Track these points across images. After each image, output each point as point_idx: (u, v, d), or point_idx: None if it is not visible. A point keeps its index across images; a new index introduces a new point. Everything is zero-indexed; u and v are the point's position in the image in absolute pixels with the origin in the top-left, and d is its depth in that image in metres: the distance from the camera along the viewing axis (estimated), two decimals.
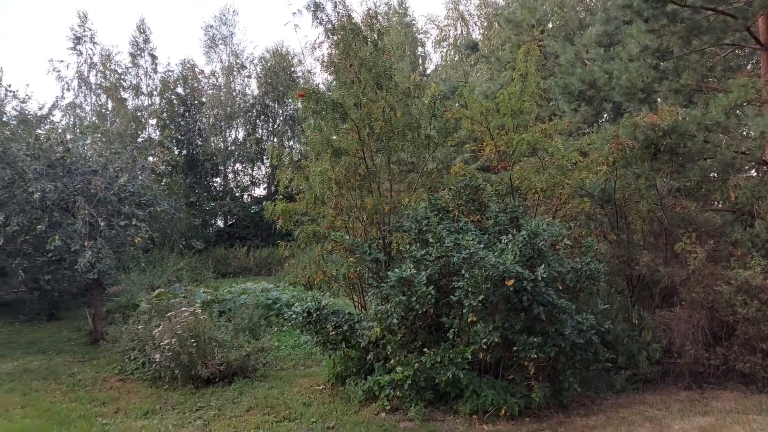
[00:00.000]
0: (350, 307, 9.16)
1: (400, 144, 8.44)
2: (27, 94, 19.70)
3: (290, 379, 8.75)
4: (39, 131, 12.71)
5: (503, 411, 6.64)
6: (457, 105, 11.45)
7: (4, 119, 13.49)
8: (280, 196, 9.06)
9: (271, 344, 9.95)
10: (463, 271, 6.76)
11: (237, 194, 29.04)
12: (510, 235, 7.26)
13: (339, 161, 8.38)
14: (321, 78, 31.86)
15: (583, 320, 6.95)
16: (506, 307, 6.75)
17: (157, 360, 8.58)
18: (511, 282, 6.46)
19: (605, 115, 14.33)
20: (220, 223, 28.39)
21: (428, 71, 31.05)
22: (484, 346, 6.61)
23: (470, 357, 6.60)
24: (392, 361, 6.98)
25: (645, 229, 9.18)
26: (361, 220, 8.75)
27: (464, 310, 6.71)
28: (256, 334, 11.03)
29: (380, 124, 8.30)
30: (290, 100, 29.54)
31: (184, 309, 9.11)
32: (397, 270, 6.92)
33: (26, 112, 15.37)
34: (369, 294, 8.29)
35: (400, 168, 9.28)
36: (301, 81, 29.00)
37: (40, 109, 16.65)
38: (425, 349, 6.82)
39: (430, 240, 7.20)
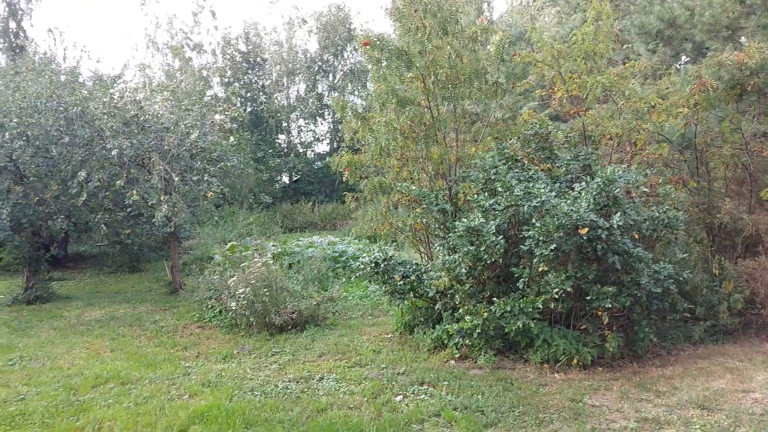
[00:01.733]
0: (415, 259, 9.20)
1: (467, 91, 8.23)
2: (101, 55, 20.49)
3: (359, 328, 8.95)
4: (112, 91, 13.16)
5: (575, 360, 6.57)
6: (524, 51, 11.01)
7: (81, 80, 14.01)
8: (346, 149, 9.07)
9: (340, 295, 10.17)
10: (533, 220, 6.64)
11: (301, 150, 29.43)
12: (583, 183, 7.03)
13: (404, 111, 8.27)
14: (381, 28, 31.31)
15: (660, 269, 6.70)
16: (579, 256, 6.60)
17: (233, 308, 8.94)
18: (584, 231, 6.28)
19: (684, 57, 13.47)
20: (285, 179, 28.97)
21: (493, 18, 30.00)
22: (556, 296, 6.51)
23: (541, 306, 6.52)
24: (461, 311, 6.99)
25: (728, 175, 8.67)
26: (427, 171, 8.68)
27: (535, 260, 6.61)
28: (324, 285, 11.32)
29: (446, 72, 8.10)
30: (348, 55, 29.36)
31: (256, 260, 9.40)
32: (464, 220, 6.86)
33: (100, 72, 15.98)
34: (435, 244, 8.28)
35: (465, 118, 9.06)
36: (359, 33, 28.68)
37: (113, 69, 17.29)
38: (494, 299, 6.79)
39: (499, 189, 7.07)
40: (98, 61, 19.81)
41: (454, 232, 6.96)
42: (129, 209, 12.65)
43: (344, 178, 8.92)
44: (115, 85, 15.33)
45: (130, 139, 11.15)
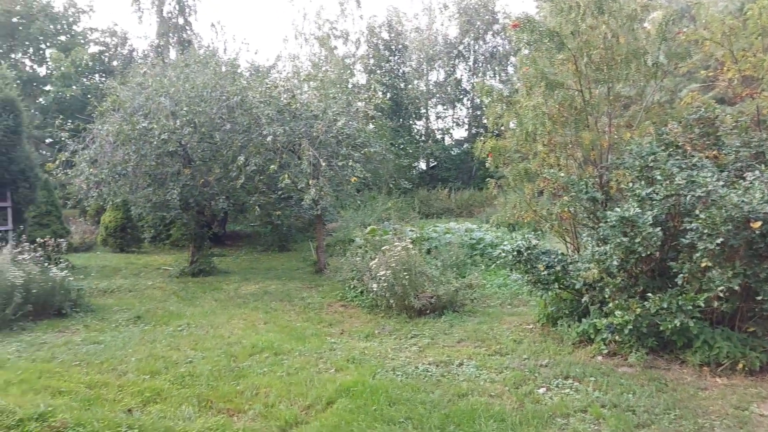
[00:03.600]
0: (559, 249, 8.87)
1: (624, 73, 7.71)
2: (257, 47, 21.97)
3: (498, 316, 8.84)
4: (267, 80, 14.04)
5: (741, 365, 5.98)
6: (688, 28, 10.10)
7: (239, 71, 15.10)
8: (489, 134, 8.93)
9: (478, 282, 10.11)
10: (697, 212, 6.10)
11: (438, 137, 29.52)
12: (756, 172, 6.33)
13: (552, 95, 7.96)
14: (524, 9, 30.31)
15: None
16: (749, 252, 5.96)
17: (374, 289, 9.23)
18: (757, 225, 5.66)
19: None
20: (423, 165, 29.24)
21: None
22: (720, 294, 5.95)
23: (703, 305, 6.00)
24: (610, 305, 6.63)
25: None
26: (575, 158, 8.30)
27: (696, 254, 6.07)
28: (462, 272, 11.30)
29: (600, 53, 7.66)
30: (490, 39, 28.81)
31: (396, 244, 9.62)
32: (618, 209, 6.47)
33: (256, 63, 17.13)
34: (583, 235, 7.92)
35: (618, 101, 8.51)
36: (500, 16, 28.02)
37: (267, 60, 18.47)
38: (648, 294, 6.36)
39: (657, 177, 6.58)
40: (256, 52, 21.57)
41: (606, 222, 6.60)
42: (280, 192, 13.48)
43: (487, 164, 8.80)
44: (269, 75, 16.36)
45: (283, 126, 11.85)
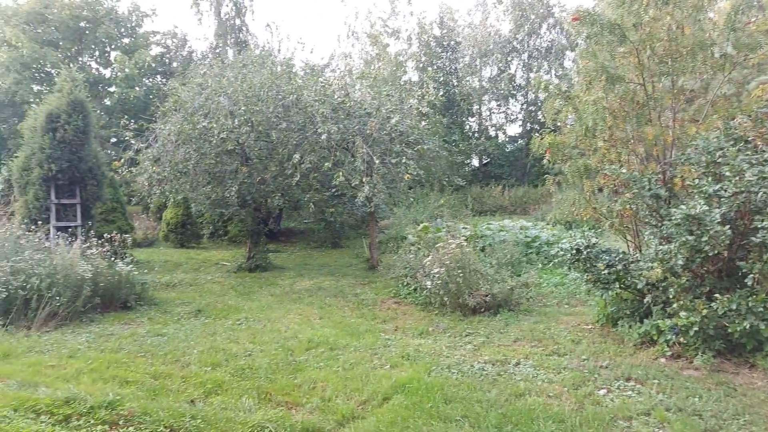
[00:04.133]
0: (620, 247, 8.62)
1: (689, 65, 7.42)
2: (312, 46, 22.29)
3: (555, 316, 8.68)
4: (321, 79, 14.21)
5: None
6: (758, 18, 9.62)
7: (295, 70, 15.33)
8: (546, 129, 8.77)
9: (534, 280, 9.95)
10: None
11: (491, 133, 29.18)
12: None
13: (613, 89, 7.73)
14: (579, 3, 29.56)
15: None
16: None
17: (428, 287, 9.22)
18: None
19: None
20: (475, 162, 28.98)
21: None
22: None
23: None
24: (674, 306, 6.41)
25: None
26: (637, 153, 8.04)
27: None
28: (517, 270, 11.16)
29: (663, 45, 7.39)
30: (544, 33, 28.25)
31: (450, 241, 9.57)
32: (683, 207, 6.24)
33: (311, 62, 17.36)
34: (646, 233, 7.68)
35: (682, 95, 8.19)
36: (556, 10, 27.43)
37: (321, 59, 18.70)
38: (715, 295, 6.11)
39: (726, 173, 6.31)
40: (311, 51, 21.99)
41: (670, 219, 6.38)
42: (333, 189, 13.62)
43: (544, 161, 8.63)
44: (323, 73, 16.55)
45: (337, 124, 11.96)
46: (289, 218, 20.72)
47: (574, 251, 7.49)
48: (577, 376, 5.99)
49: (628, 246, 8.39)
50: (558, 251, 7.89)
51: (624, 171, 7.25)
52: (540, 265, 11.94)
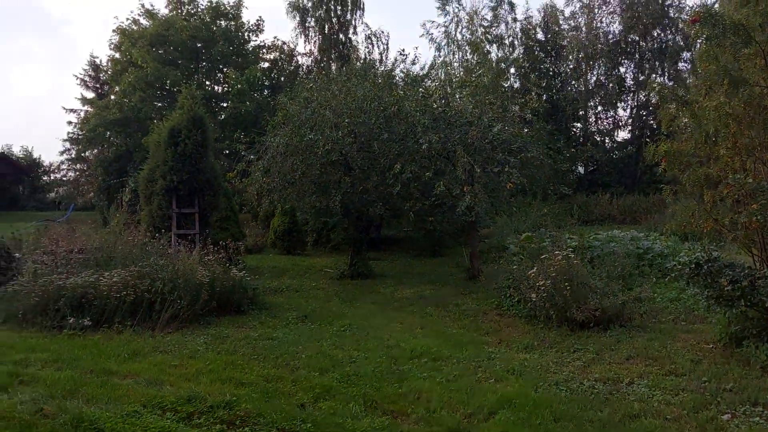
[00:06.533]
0: (745, 262, 7.99)
1: None
2: (416, 57, 22.57)
3: (671, 333, 8.17)
4: (421, 89, 14.32)
5: None
6: None
7: (395, 81, 15.57)
8: (661, 135, 8.31)
9: (647, 295, 9.43)
10: None
11: (598, 139, 28.07)
12: None
13: (737, 93, 7.21)
14: (697, 1, 27.79)
15: None
16: None
17: (533, 299, 8.98)
18: None
19: None
20: (581, 169, 27.98)
21: None
22: None
23: None
24: None
25: None
26: (765, 162, 7.44)
27: None
28: (628, 284, 10.63)
29: None
30: (658, 34, 26.82)
31: (557, 252, 9.28)
32: None
33: (411, 72, 17.53)
34: None
35: None
36: (672, 10, 25.93)
37: (422, 69, 18.86)
38: None
39: None
40: (414, 62, 22.24)
41: None
42: (434, 198, 13.65)
43: (660, 169, 8.18)
44: (423, 83, 16.67)
45: (438, 133, 12.00)
46: (389, 226, 20.98)
47: (694, 265, 7.04)
48: (697, 399, 5.62)
49: (753, 260, 7.77)
50: (675, 265, 7.44)
51: (750, 180, 6.73)
52: (653, 279, 11.28)
